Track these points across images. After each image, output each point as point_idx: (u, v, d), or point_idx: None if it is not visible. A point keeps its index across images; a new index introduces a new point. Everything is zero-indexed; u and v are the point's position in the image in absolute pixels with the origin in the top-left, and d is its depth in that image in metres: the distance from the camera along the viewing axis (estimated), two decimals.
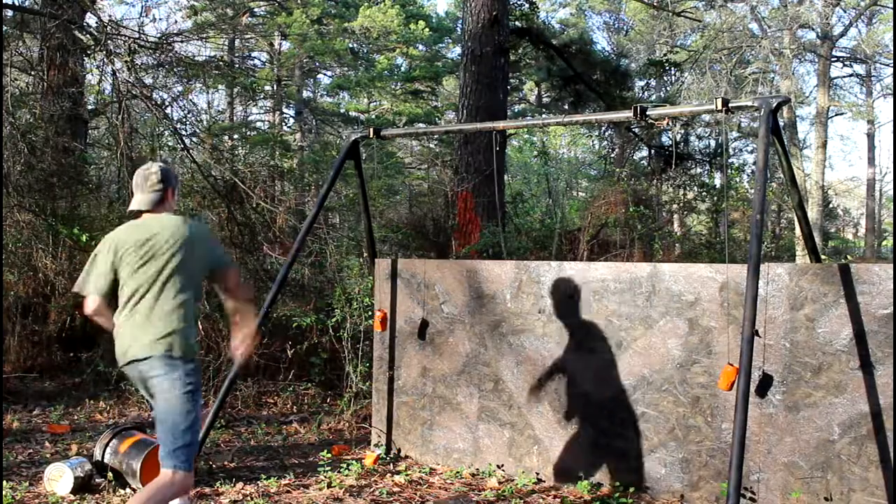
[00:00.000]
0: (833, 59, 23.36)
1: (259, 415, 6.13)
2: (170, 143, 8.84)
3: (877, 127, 29.31)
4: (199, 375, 3.21)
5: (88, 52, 8.65)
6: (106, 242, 3.29)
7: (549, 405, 4.43)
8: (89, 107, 9.51)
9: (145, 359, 3.12)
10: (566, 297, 4.39)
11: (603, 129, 16.42)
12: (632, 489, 4.14)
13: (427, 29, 22.27)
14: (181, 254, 3.19)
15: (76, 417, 5.85)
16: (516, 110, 24.45)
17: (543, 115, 17.38)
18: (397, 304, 5.03)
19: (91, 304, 3.24)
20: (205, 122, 10.39)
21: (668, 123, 11.69)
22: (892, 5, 19.71)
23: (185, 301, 3.19)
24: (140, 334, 3.13)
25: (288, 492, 4.20)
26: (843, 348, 3.61)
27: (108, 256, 3.23)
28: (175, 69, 9.18)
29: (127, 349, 3.16)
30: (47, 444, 5.08)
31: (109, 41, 7.66)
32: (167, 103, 8.83)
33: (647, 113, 4.09)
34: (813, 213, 20.64)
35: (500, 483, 4.42)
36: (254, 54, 24.04)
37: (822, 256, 12.42)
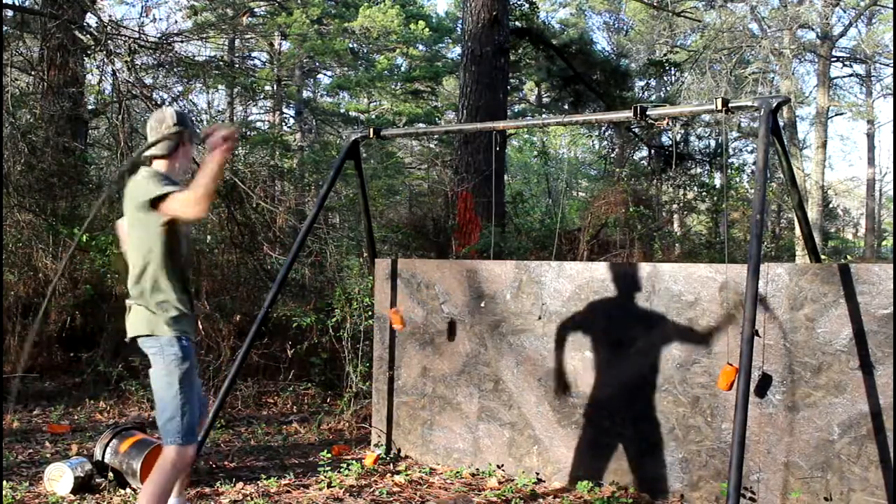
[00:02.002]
0: (833, 59, 23.37)
1: (259, 415, 6.13)
2: None
3: (877, 127, 29.32)
4: (180, 350, 3.10)
5: (88, 52, 8.65)
6: None
7: (549, 405, 4.43)
8: (89, 107, 9.51)
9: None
10: (566, 298, 4.39)
11: (603, 129, 16.43)
12: (632, 489, 4.14)
13: (427, 29, 22.27)
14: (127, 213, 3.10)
15: (76, 417, 5.85)
16: (516, 110, 24.44)
17: (543, 115, 17.39)
18: (397, 304, 5.03)
19: None
20: (205, 122, 10.39)
21: (668, 123, 11.69)
22: (892, 5, 19.71)
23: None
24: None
25: (288, 492, 4.20)
26: (842, 348, 3.61)
27: None
28: (175, 69, 9.19)
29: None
30: (47, 444, 5.08)
31: (109, 41, 7.66)
32: (167, 103, 8.84)
33: (647, 113, 4.09)
34: (813, 213, 20.64)
35: (500, 483, 4.42)
36: (254, 54, 24.04)
37: (822, 256, 12.43)
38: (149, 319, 3.10)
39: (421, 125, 21.20)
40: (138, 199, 3.04)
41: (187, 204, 2.90)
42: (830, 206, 28.37)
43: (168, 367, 3.09)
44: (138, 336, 3.14)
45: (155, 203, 2.99)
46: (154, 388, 3.14)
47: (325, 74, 24.97)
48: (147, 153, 3.17)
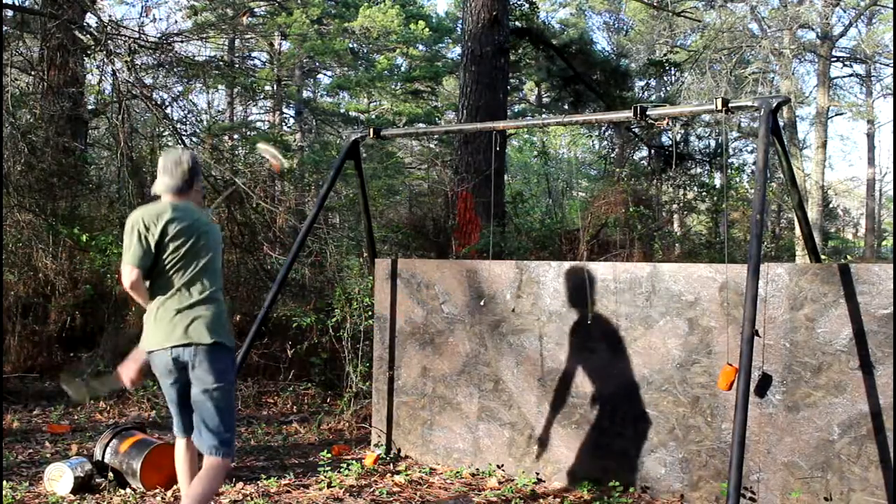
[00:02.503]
0: (833, 59, 23.37)
1: (259, 415, 6.13)
2: (170, 143, 8.84)
3: (877, 127, 29.32)
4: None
5: (88, 52, 8.65)
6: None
7: (549, 405, 4.43)
8: (89, 107, 9.51)
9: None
10: (566, 297, 4.39)
11: (603, 129, 16.43)
12: (632, 489, 4.14)
13: (427, 29, 22.26)
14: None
15: (76, 417, 5.85)
16: (516, 110, 24.44)
17: (543, 115, 17.39)
18: (397, 304, 5.03)
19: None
20: (205, 122, 10.40)
21: (668, 123, 11.69)
22: (892, 5, 19.72)
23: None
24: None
25: (288, 492, 4.20)
26: (842, 348, 3.61)
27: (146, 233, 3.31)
28: (175, 69, 9.19)
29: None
30: (47, 444, 5.08)
31: (109, 41, 7.66)
32: (167, 103, 8.84)
33: (647, 113, 4.09)
34: (813, 213, 20.64)
35: (500, 483, 4.42)
36: (254, 54, 24.04)
37: (822, 256, 12.43)
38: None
39: (421, 125, 21.19)
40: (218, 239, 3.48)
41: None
42: (830, 206, 28.38)
43: None
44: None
45: None
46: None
47: (325, 74, 24.97)
48: (158, 190, 3.38)
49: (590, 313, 4.30)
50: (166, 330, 3.21)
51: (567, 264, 4.45)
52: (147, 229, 3.22)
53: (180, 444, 3.45)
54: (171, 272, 3.25)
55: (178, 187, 3.37)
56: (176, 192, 3.36)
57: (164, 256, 3.24)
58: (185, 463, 3.46)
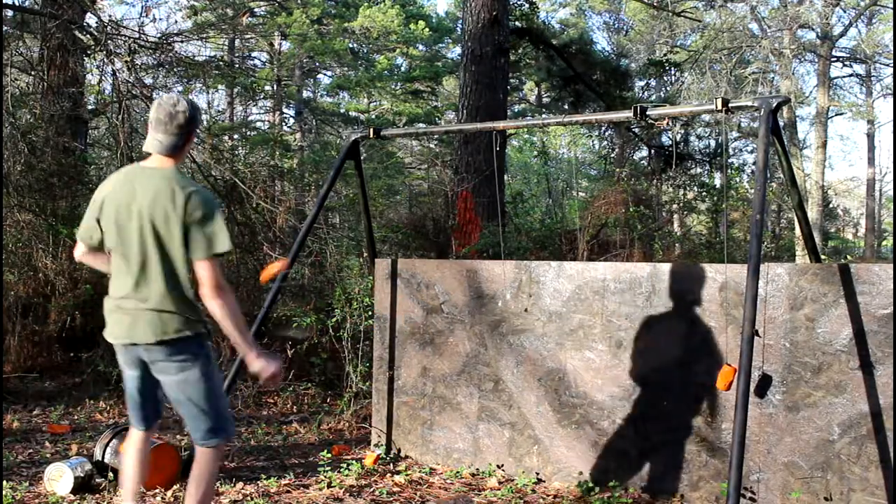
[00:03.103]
0: (833, 59, 23.37)
1: (259, 415, 6.13)
2: None
3: (877, 127, 29.33)
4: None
5: (88, 52, 8.65)
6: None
7: (549, 405, 4.43)
8: (89, 107, 9.51)
9: None
10: (566, 298, 4.39)
11: (603, 129, 16.42)
12: (632, 489, 4.14)
13: (427, 29, 22.27)
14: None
15: (76, 417, 5.85)
16: (516, 110, 24.45)
17: (543, 115, 17.38)
18: (397, 304, 5.03)
19: None
20: (205, 122, 10.39)
21: (668, 123, 11.70)
22: (892, 5, 19.72)
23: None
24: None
25: (288, 492, 4.20)
26: (843, 348, 3.61)
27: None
28: (175, 69, 9.19)
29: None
30: (47, 444, 5.08)
31: (109, 41, 7.66)
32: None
33: (647, 113, 4.09)
34: (813, 213, 20.65)
35: (500, 483, 4.42)
36: (254, 54, 24.05)
37: (822, 256, 12.42)
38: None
39: (421, 125, 21.19)
40: (198, 225, 2.92)
41: (213, 287, 2.92)
42: (830, 206, 28.40)
43: None
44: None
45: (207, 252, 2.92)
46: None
47: (325, 74, 24.97)
48: (149, 148, 3.01)
49: (590, 313, 4.30)
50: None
51: (567, 264, 4.45)
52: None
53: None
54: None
55: (174, 145, 2.99)
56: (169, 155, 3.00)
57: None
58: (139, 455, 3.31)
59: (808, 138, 26.54)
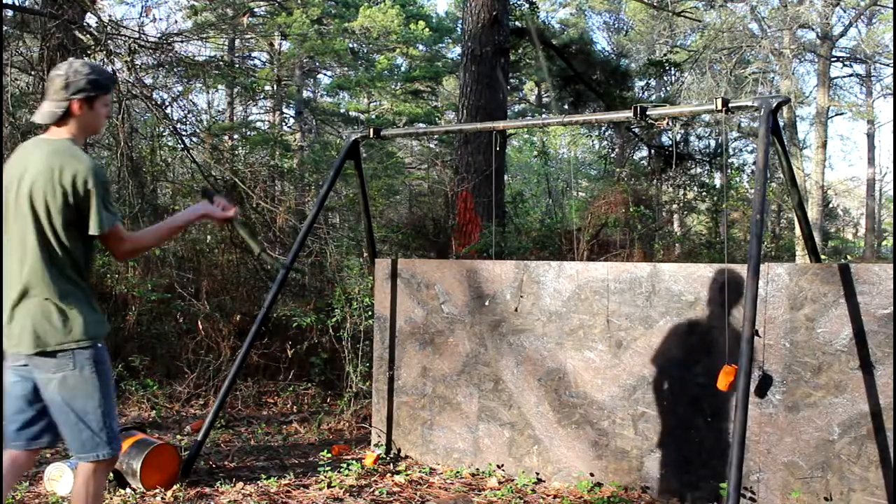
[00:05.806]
0: (833, 59, 23.37)
1: (259, 415, 6.13)
2: (170, 143, 8.84)
3: (877, 127, 29.34)
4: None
5: (88, 52, 8.64)
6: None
7: (549, 405, 4.43)
8: None
9: None
10: (566, 297, 4.39)
11: (603, 129, 16.40)
12: (632, 489, 4.14)
13: (427, 29, 22.27)
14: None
15: None
16: (516, 110, 24.45)
17: (543, 115, 17.38)
18: (397, 304, 5.03)
19: None
20: (205, 122, 10.40)
21: (668, 123, 11.69)
22: (892, 5, 19.72)
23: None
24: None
25: (288, 492, 4.20)
26: (843, 348, 3.61)
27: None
28: (175, 69, 9.19)
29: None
30: None
31: (109, 41, 7.66)
32: (167, 103, 8.83)
33: (647, 113, 4.09)
34: (813, 213, 20.64)
35: (500, 483, 4.42)
36: (254, 54, 24.04)
37: (822, 256, 12.43)
38: None
39: (421, 125, 21.19)
40: (78, 198, 2.67)
41: (123, 247, 2.79)
42: (830, 206, 28.39)
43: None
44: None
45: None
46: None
47: (325, 74, 24.97)
48: (36, 118, 2.76)
49: (590, 313, 4.30)
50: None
51: (567, 264, 4.45)
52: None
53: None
54: None
55: (55, 113, 2.73)
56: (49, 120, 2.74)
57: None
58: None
59: (808, 138, 26.57)
